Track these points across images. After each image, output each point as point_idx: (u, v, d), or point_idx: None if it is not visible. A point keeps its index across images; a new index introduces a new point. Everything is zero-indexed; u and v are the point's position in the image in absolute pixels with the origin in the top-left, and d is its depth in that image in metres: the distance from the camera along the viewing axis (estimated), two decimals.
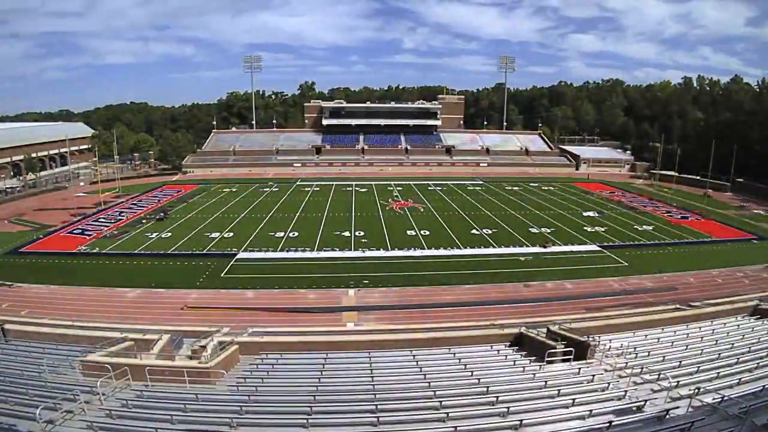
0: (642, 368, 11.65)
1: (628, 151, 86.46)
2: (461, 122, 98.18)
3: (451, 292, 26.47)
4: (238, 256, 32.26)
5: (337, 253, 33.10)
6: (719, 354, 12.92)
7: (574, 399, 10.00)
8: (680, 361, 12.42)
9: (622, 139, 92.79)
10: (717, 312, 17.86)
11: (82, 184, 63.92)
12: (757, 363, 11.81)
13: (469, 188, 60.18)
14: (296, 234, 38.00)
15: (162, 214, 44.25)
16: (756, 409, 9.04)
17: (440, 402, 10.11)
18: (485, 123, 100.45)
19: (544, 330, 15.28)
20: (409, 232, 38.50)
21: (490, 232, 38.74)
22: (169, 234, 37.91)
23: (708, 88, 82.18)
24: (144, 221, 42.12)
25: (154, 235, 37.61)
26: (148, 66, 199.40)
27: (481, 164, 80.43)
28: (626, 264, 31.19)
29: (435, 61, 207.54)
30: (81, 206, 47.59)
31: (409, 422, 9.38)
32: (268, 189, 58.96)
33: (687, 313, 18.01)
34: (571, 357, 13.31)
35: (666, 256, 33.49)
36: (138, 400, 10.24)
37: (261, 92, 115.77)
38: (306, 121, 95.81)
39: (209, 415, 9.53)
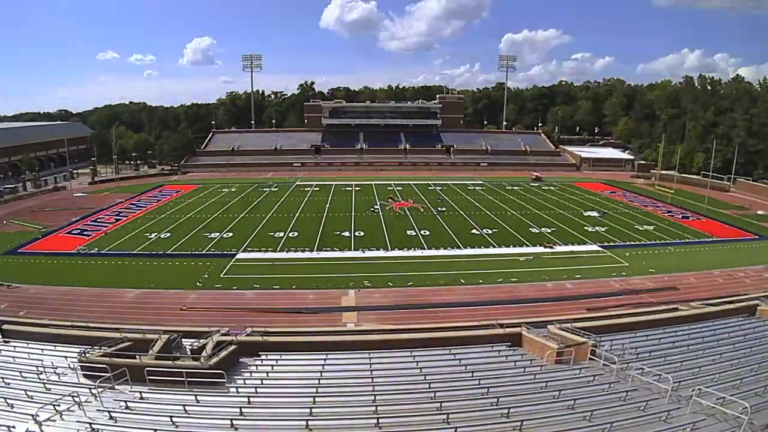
0: (643, 369, 11.60)
1: (629, 151, 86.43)
2: (461, 122, 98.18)
3: (451, 292, 26.42)
4: (237, 257, 32.21)
5: (337, 254, 33.05)
6: (720, 355, 12.88)
7: (575, 400, 9.96)
8: (681, 362, 12.39)
9: (622, 139, 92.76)
10: (718, 312, 17.81)
11: (80, 184, 63.83)
12: (758, 364, 11.77)
13: (469, 188, 60.15)
14: (296, 234, 37.94)
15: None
16: (757, 410, 9.02)
17: (440, 403, 10.06)
18: (485, 123, 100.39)
19: (545, 330, 15.23)
20: (409, 232, 38.45)
21: (490, 231, 38.69)
22: (169, 234, 37.86)
23: (709, 87, 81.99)
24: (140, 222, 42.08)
25: (153, 235, 37.56)
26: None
27: (481, 164, 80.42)
28: (627, 264, 31.15)
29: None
30: (80, 206, 47.53)
31: (410, 424, 9.33)
32: (267, 189, 58.91)
33: (688, 314, 17.96)
34: (572, 358, 13.27)
35: (667, 256, 33.44)
36: (137, 401, 10.18)
37: (261, 92, 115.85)
38: (305, 120, 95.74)
39: (208, 417, 9.48)
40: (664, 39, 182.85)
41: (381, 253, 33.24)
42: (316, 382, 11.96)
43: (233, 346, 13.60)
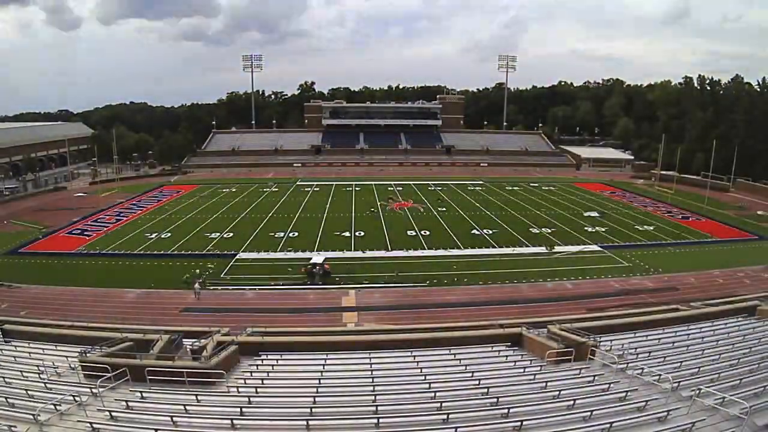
0: (643, 369, 11.62)
1: (629, 151, 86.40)
2: (461, 122, 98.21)
3: (451, 292, 26.45)
4: (237, 257, 32.23)
5: (337, 254, 33.05)
6: (720, 355, 12.87)
7: (574, 400, 9.96)
8: (681, 362, 12.38)
9: (622, 139, 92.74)
10: (718, 312, 17.81)
11: (81, 184, 63.86)
12: (758, 363, 11.76)
13: (469, 188, 60.15)
14: (296, 234, 37.95)
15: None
16: (757, 410, 9.02)
17: (441, 403, 10.07)
18: (485, 123, 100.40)
19: (545, 330, 15.24)
20: (409, 232, 38.46)
21: (490, 232, 38.69)
22: (169, 234, 37.88)
23: (709, 88, 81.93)
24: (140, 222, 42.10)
25: (154, 235, 37.59)
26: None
27: (481, 164, 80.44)
28: (627, 264, 31.16)
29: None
30: (81, 206, 47.56)
31: (410, 424, 9.35)
32: (267, 189, 58.91)
33: (688, 314, 17.97)
34: (572, 358, 13.27)
35: (667, 256, 33.44)
36: (138, 401, 10.20)
37: (261, 92, 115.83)
38: (306, 121, 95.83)
39: (209, 417, 9.50)
40: None
41: (381, 253, 33.24)
42: (317, 382, 11.97)
43: (234, 346, 13.62)
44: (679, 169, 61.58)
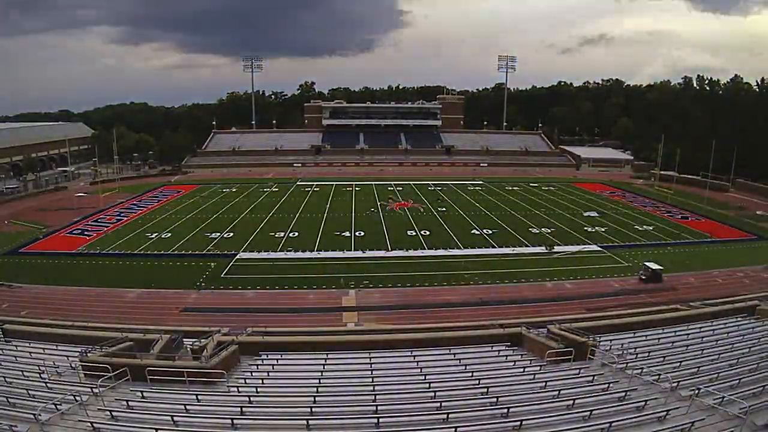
0: (642, 369, 11.65)
1: (629, 152, 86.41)
2: (461, 122, 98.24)
3: (451, 292, 26.46)
4: (238, 257, 32.25)
5: (337, 253, 33.08)
6: (719, 354, 12.92)
7: (574, 400, 10.00)
8: (680, 362, 12.43)
9: (622, 139, 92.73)
10: (717, 312, 17.88)
11: (82, 184, 63.87)
12: (757, 363, 11.80)
13: (469, 188, 60.16)
14: (296, 234, 37.98)
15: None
16: (756, 410, 9.05)
17: (440, 403, 10.11)
18: (485, 123, 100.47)
19: (544, 330, 15.29)
20: (409, 232, 38.48)
21: (490, 232, 38.71)
22: (169, 234, 37.90)
23: (708, 88, 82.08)
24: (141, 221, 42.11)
25: (154, 235, 37.61)
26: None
27: (481, 164, 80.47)
28: (627, 264, 31.19)
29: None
30: (81, 206, 47.56)
31: (410, 423, 9.38)
32: (268, 189, 58.92)
33: (687, 314, 18.03)
34: (571, 357, 13.32)
35: (666, 256, 33.43)
36: (138, 401, 10.23)
37: (261, 92, 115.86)
38: (306, 121, 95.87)
39: (210, 416, 9.54)
40: None
41: (381, 253, 33.26)
42: (317, 381, 12.02)
43: (234, 346, 13.66)
44: (678, 169, 61.58)
